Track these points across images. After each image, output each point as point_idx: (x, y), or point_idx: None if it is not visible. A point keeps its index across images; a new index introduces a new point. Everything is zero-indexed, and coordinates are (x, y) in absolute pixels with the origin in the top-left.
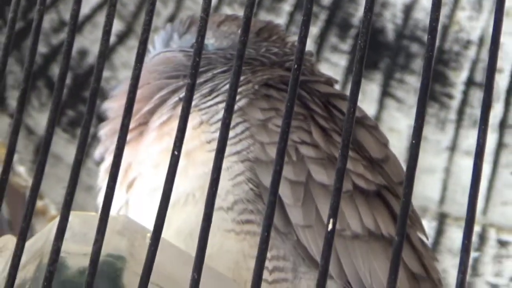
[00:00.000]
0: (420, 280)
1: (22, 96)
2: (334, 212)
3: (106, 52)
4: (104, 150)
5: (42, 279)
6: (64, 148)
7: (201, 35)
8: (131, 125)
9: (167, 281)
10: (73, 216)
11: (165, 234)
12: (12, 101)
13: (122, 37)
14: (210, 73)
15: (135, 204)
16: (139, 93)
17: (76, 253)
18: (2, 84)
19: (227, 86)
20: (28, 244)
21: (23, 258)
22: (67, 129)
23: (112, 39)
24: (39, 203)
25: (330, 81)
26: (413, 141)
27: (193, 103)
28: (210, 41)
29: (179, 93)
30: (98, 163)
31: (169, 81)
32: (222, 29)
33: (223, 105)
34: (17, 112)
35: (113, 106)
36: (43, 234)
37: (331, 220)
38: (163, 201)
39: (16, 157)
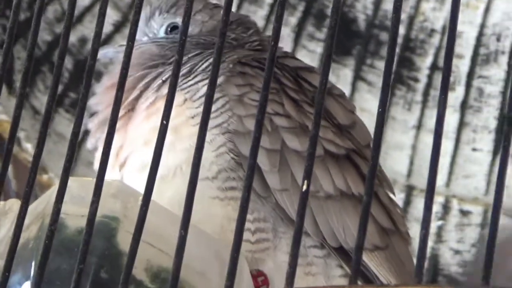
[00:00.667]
0: (389, 233)
1: (25, 74)
2: (308, 175)
3: (101, 32)
4: (96, 140)
5: (44, 238)
6: (67, 127)
7: (187, 16)
8: (120, 113)
9: (157, 239)
10: (72, 181)
11: None
12: (19, 83)
13: (119, 26)
14: (185, 57)
15: (129, 179)
16: (136, 70)
17: (75, 214)
18: (7, 67)
19: (204, 66)
20: (31, 207)
21: (27, 219)
22: (69, 110)
23: (110, 28)
24: (44, 177)
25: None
26: (379, 109)
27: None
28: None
29: (161, 77)
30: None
31: (149, 71)
32: (197, 17)
33: (203, 83)
34: (20, 87)
35: (100, 100)
36: (44, 198)
37: (305, 182)
38: (153, 168)
39: (23, 134)
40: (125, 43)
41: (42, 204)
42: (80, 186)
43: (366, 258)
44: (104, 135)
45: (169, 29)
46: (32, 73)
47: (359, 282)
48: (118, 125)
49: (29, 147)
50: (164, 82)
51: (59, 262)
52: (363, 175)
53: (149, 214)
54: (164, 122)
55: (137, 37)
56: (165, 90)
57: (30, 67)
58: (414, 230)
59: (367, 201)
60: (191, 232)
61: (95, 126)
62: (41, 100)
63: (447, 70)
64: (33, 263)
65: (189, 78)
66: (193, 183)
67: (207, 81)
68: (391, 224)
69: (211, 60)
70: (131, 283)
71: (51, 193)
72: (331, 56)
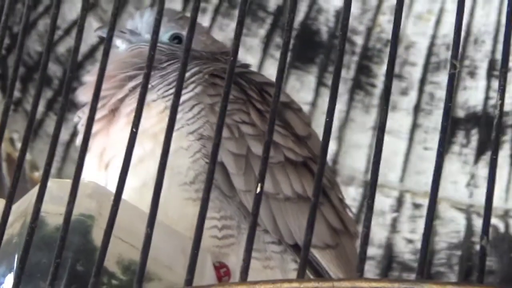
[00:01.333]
0: (339, 233)
1: (12, 84)
2: (262, 177)
3: (79, 46)
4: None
5: (25, 234)
6: None
7: (155, 32)
8: (103, 113)
9: (128, 235)
10: (52, 182)
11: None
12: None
13: (103, 39)
14: (175, 65)
15: (112, 181)
16: (111, 81)
17: (54, 213)
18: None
19: (186, 76)
20: (15, 206)
21: (11, 218)
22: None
23: (95, 40)
24: (36, 174)
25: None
26: (327, 119)
27: (159, 92)
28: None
29: (150, 83)
30: None
31: (139, 72)
32: (201, 38)
33: (183, 91)
34: (8, 96)
35: (87, 93)
36: (27, 198)
37: (259, 184)
38: (124, 168)
39: (16, 136)
40: (123, 29)
41: (25, 203)
42: (59, 187)
43: (318, 255)
44: (92, 140)
45: (172, 37)
46: (25, 80)
47: (311, 276)
48: (100, 126)
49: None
50: (153, 87)
51: (39, 256)
52: None
53: (123, 213)
54: (134, 130)
55: (142, 31)
56: (148, 97)
57: (15, 79)
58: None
59: (314, 202)
60: (160, 230)
61: (82, 123)
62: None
63: (388, 82)
64: (16, 257)
65: (171, 87)
66: (159, 185)
67: (186, 90)
68: (341, 225)
69: (193, 71)
70: (104, 274)
71: (33, 193)
72: (283, 71)
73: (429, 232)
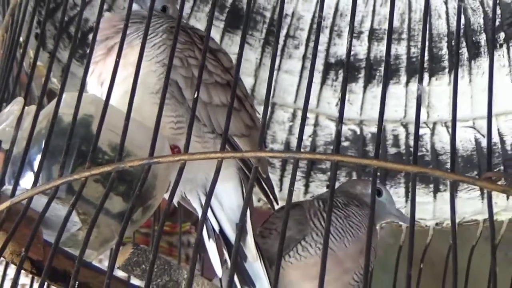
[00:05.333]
0: (251, 128)
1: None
2: (198, 88)
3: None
4: (92, 66)
5: (49, 127)
6: (76, 69)
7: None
8: (103, 50)
9: (115, 127)
10: (66, 95)
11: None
12: (49, 45)
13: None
14: (152, 23)
15: (105, 93)
16: (112, 29)
17: (67, 113)
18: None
19: (158, 28)
20: (43, 110)
21: (40, 117)
22: (79, 60)
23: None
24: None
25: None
26: (238, 54)
27: (140, 39)
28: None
29: (137, 33)
30: None
31: (130, 24)
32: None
33: (154, 38)
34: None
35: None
36: (51, 104)
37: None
38: (111, 84)
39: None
40: None
41: (49, 108)
42: (71, 97)
43: (237, 140)
44: (95, 66)
45: (161, 7)
46: (54, 38)
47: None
48: (100, 57)
49: (55, 81)
50: (138, 35)
51: (58, 141)
52: (237, 95)
53: (112, 114)
54: (117, 59)
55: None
56: (134, 42)
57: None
58: (275, 129)
59: (231, 105)
60: (135, 124)
61: (94, 56)
62: (61, 54)
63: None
64: (43, 142)
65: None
66: (132, 94)
67: (157, 37)
68: (252, 123)
69: (163, 25)
70: (99, 152)
71: (54, 101)
72: (211, 26)
73: (302, 127)
